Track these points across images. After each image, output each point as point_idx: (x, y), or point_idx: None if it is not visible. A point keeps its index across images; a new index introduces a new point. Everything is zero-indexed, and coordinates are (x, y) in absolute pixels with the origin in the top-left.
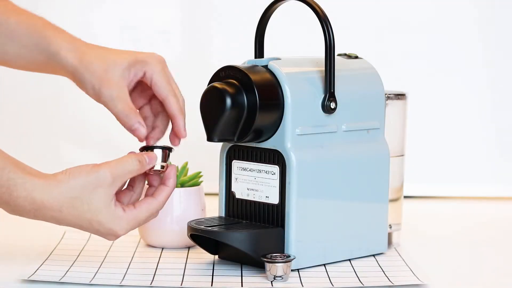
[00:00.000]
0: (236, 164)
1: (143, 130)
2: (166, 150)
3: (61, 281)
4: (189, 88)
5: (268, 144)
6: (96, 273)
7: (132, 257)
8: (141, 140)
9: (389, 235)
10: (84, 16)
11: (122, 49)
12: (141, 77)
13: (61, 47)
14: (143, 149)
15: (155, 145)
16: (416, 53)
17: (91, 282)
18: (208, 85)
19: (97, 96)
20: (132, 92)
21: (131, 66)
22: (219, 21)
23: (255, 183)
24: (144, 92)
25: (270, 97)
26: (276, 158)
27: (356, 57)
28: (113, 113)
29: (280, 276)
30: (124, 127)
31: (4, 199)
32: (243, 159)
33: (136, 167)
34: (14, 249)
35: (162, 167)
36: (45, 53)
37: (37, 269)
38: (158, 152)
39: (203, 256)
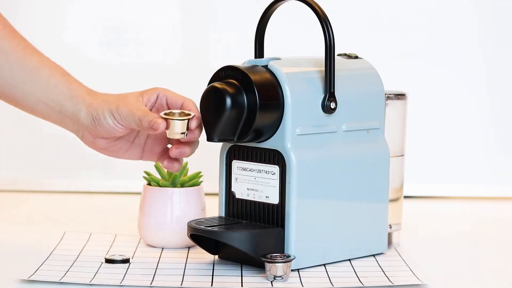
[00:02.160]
0: (236, 164)
1: (161, 122)
2: (186, 120)
3: (61, 281)
4: (189, 88)
5: (268, 144)
6: (96, 273)
7: (132, 257)
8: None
9: (389, 235)
10: (83, 17)
11: None
12: (154, 102)
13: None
14: (165, 114)
15: (175, 117)
16: (416, 53)
17: (91, 282)
18: (208, 85)
19: (115, 118)
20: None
21: (143, 93)
22: (219, 21)
23: (255, 183)
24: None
25: (270, 97)
26: (276, 158)
27: (356, 57)
28: (133, 123)
29: (280, 276)
30: (144, 128)
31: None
32: (243, 159)
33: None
34: (14, 249)
35: (183, 133)
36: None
37: (37, 269)
38: (178, 123)
39: (203, 256)
